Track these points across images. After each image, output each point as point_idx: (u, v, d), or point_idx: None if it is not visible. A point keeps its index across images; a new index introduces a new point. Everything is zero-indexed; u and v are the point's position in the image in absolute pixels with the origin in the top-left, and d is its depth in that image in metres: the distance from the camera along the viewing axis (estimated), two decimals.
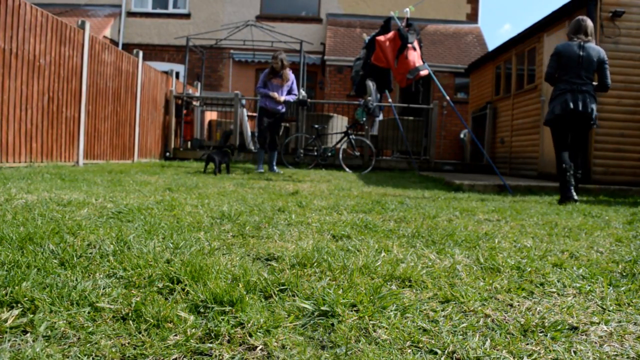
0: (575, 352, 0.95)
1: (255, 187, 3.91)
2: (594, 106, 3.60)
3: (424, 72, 6.16)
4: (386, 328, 1.02)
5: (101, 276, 1.24)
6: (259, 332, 0.96)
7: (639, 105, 5.76)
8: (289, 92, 6.10)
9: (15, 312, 0.99)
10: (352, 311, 1.10)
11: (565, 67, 3.59)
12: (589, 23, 3.65)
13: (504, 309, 1.18)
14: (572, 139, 3.72)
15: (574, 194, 3.58)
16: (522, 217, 2.75)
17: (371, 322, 1.04)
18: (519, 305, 1.21)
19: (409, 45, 6.12)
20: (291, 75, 6.10)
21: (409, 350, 0.93)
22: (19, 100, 4.51)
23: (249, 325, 0.98)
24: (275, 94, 5.89)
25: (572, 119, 3.59)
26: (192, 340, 0.92)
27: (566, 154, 3.67)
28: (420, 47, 6.37)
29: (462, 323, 1.06)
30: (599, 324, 1.10)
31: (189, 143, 9.04)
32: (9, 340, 0.88)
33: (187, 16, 12.87)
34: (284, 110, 6.10)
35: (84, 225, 1.79)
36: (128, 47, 12.31)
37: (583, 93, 3.54)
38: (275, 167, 6.23)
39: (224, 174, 5.39)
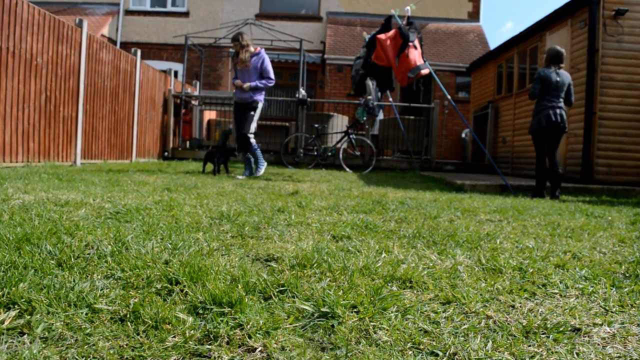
0: (577, 354, 0.94)
1: (255, 187, 3.90)
2: (565, 118, 4.55)
3: (425, 71, 6.15)
4: (387, 329, 1.01)
5: (99, 277, 1.23)
6: (259, 333, 0.96)
7: None
8: (261, 77, 5.04)
9: (12, 313, 0.98)
10: (352, 312, 1.09)
11: (547, 89, 4.47)
12: (563, 52, 4.60)
13: (505, 310, 1.17)
14: (550, 145, 4.56)
15: (545, 193, 4.55)
16: (524, 217, 2.75)
17: (372, 323, 1.04)
18: (520, 306, 1.20)
19: (410, 43, 6.10)
20: (258, 56, 5.01)
21: (410, 352, 0.92)
22: (16, 100, 4.50)
23: (248, 326, 0.97)
24: (239, 81, 5.01)
25: (552, 129, 4.49)
26: (190, 342, 0.91)
27: (544, 159, 4.56)
28: (421, 46, 6.35)
29: (464, 324, 1.06)
30: (601, 325, 1.09)
31: (188, 143, 9.03)
32: (6, 342, 0.87)
33: (185, 14, 12.86)
34: (253, 99, 5.05)
35: (82, 225, 1.78)
36: (126, 45, 12.29)
37: (559, 108, 4.48)
38: (248, 172, 5.14)
39: (223, 174, 5.33)
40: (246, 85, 4.99)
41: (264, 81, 5.06)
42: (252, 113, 5.10)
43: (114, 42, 12.45)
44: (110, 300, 1.07)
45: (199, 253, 1.51)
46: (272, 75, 5.13)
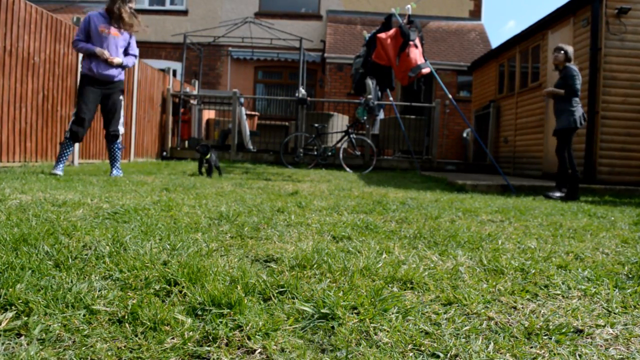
0: (580, 356, 0.93)
1: (254, 187, 3.89)
2: None
3: (425, 70, 6.13)
4: (387, 331, 1.00)
5: (97, 278, 1.22)
6: (258, 335, 0.95)
7: None
8: (125, 52, 4.05)
9: (10, 314, 0.97)
10: (352, 314, 1.08)
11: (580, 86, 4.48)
12: None
13: (507, 312, 1.16)
14: (570, 145, 4.53)
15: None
16: (526, 217, 2.74)
17: (372, 325, 1.03)
18: (522, 307, 1.19)
19: (411, 42, 6.08)
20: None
21: (411, 354, 0.91)
22: (13, 99, 4.47)
23: (248, 328, 0.97)
24: (106, 53, 3.81)
25: (577, 129, 4.49)
26: (189, 344, 0.90)
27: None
28: (422, 45, 6.34)
29: (465, 326, 1.05)
30: (604, 326, 1.08)
31: (186, 142, 9.01)
32: (2, 343, 0.87)
33: (184, 13, 12.83)
34: (121, 78, 4.00)
35: (79, 226, 1.77)
36: None
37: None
38: (117, 170, 4.17)
39: (214, 175, 4.93)
40: (117, 60, 3.88)
41: (132, 59, 4.05)
42: (121, 98, 4.07)
43: None
44: (108, 301, 1.07)
45: (197, 254, 1.50)
46: (136, 51, 4.11)
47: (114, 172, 4.18)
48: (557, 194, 4.41)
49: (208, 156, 4.73)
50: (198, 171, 4.97)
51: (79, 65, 5.55)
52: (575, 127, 4.44)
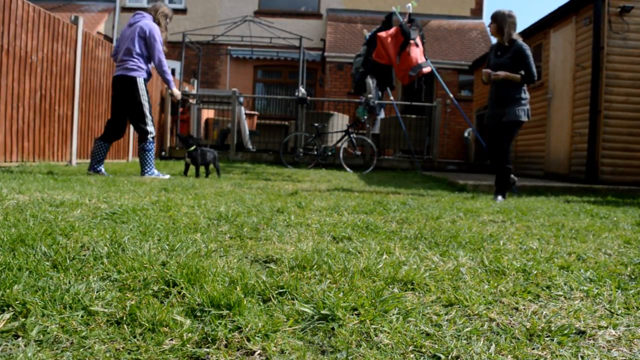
0: (582, 357, 0.93)
1: (254, 188, 3.89)
2: None
3: (426, 69, 6.12)
4: (388, 332, 0.99)
5: (95, 279, 1.22)
6: (257, 336, 0.94)
7: None
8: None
9: (7, 315, 0.96)
10: (353, 315, 1.08)
11: None
12: None
13: (509, 313, 1.15)
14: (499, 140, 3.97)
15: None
16: (527, 218, 2.73)
17: (372, 326, 1.02)
18: (524, 308, 1.18)
19: (411, 41, 6.08)
20: None
21: (412, 355, 0.90)
22: (10, 98, 4.46)
23: (247, 329, 0.96)
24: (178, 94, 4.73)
25: None
26: (188, 345, 0.89)
27: None
28: (423, 43, 6.33)
29: (466, 327, 1.04)
30: (607, 328, 1.07)
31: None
32: (0, 345, 0.86)
33: (183, 11, 12.81)
34: None
35: (77, 226, 1.76)
36: None
37: None
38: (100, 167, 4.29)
39: (202, 177, 4.51)
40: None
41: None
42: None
43: (111, 40, 12.40)
44: (106, 302, 1.06)
45: (196, 254, 1.49)
46: None
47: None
48: (501, 198, 3.83)
49: (191, 149, 4.25)
50: (195, 173, 4.54)
51: (77, 65, 5.52)
52: (525, 121, 3.87)
